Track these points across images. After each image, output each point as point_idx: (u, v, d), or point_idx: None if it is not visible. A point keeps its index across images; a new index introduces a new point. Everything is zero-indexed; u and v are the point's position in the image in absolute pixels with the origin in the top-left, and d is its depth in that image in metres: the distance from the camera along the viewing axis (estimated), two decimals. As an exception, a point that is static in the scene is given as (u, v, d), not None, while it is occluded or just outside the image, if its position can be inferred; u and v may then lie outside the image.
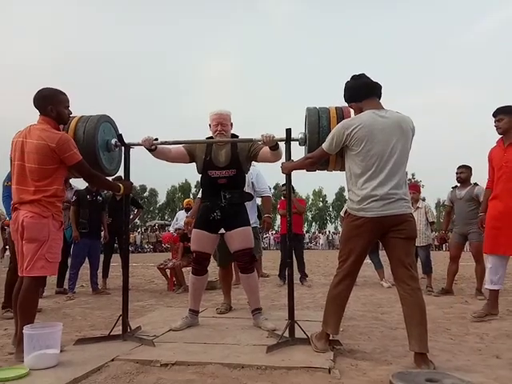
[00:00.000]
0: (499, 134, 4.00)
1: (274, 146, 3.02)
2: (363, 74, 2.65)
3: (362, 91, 2.60)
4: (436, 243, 5.66)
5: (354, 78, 2.66)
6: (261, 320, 3.33)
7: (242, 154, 3.31)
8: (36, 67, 69.10)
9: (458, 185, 5.53)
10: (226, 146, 3.33)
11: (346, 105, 2.78)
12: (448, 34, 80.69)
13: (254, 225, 4.07)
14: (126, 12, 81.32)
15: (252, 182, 4.32)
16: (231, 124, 3.40)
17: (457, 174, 5.49)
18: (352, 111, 2.78)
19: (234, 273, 4.42)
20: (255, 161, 3.38)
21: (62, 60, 73.01)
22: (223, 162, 3.28)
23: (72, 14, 75.93)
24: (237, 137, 3.41)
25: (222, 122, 3.29)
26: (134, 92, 73.39)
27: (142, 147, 3.13)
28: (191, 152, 3.36)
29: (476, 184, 5.36)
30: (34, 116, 2.73)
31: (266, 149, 3.10)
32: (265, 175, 4.64)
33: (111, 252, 6.66)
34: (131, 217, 6.94)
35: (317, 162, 2.75)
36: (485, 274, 4.92)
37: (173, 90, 76.41)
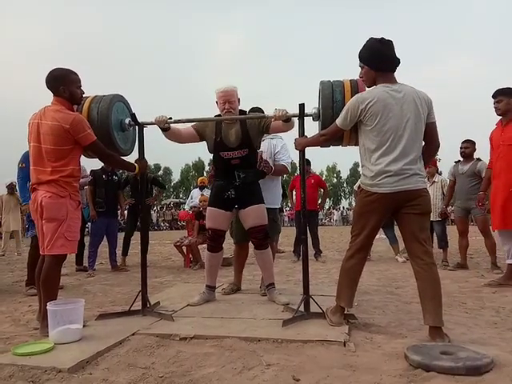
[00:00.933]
0: (498, 115, 4.15)
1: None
2: (391, 41, 2.50)
3: (384, 63, 2.49)
4: (438, 218, 5.67)
5: (382, 42, 2.49)
6: (275, 294, 3.38)
7: (253, 130, 3.26)
8: (47, 49, 69.22)
9: (461, 159, 5.47)
10: (236, 124, 3.27)
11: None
12: (464, 3, 77.77)
13: (276, 206, 3.86)
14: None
15: (277, 151, 3.85)
16: (238, 100, 3.32)
17: (461, 148, 5.43)
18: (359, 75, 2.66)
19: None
20: (267, 133, 3.32)
21: (73, 39, 72.89)
22: (234, 141, 3.24)
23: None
24: (245, 113, 3.36)
25: (229, 100, 3.21)
26: (144, 70, 73.21)
27: (156, 126, 3.14)
28: (200, 132, 3.33)
29: (479, 159, 5.32)
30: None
31: (278, 120, 3.03)
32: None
33: (132, 231, 6.73)
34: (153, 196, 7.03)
35: (331, 139, 2.71)
36: (495, 247, 5.01)
37: (185, 66, 75.92)
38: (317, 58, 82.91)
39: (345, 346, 2.26)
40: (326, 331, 2.48)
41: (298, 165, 3.13)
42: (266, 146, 3.76)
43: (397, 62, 2.51)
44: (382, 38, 2.51)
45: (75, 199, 2.72)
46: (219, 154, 3.30)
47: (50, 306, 2.42)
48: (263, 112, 3.58)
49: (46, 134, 2.60)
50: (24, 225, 7.33)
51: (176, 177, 59.60)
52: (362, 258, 2.58)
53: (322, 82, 2.89)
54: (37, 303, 2.89)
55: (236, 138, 3.25)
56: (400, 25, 79.28)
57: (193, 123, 3.34)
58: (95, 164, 6.07)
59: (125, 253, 6.52)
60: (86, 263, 6.00)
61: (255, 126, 3.26)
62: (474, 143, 5.41)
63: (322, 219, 31.77)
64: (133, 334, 2.52)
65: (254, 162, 3.41)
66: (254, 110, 3.70)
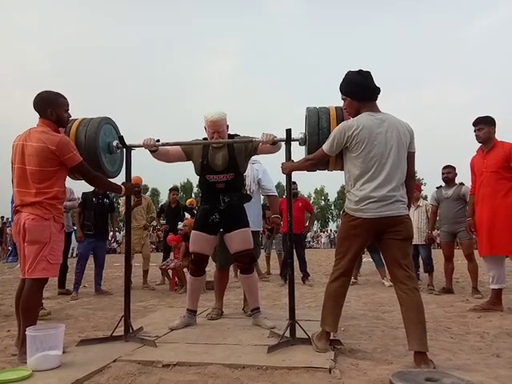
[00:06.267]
0: (479, 142, 4.27)
1: None
2: (369, 72, 2.60)
3: (366, 93, 2.58)
4: (423, 242, 5.78)
5: (360, 74, 2.59)
6: (260, 319, 3.36)
7: (240, 155, 3.27)
8: (37, 70, 69.66)
9: (443, 184, 5.57)
10: (223, 149, 3.28)
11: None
12: (450, 30, 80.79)
13: (258, 228, 3.93)
14: (128, 11, 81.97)
15: (259, 179, 4.03)
16: (227, 126, 3.32)
17: (443, 174, 5.54)
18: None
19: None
20: (255, 154, 3.33)
21: (64, 60, 73.66)
22: (220, 165, 3.25)
23: (73, 12, 76.64)
24: (233, 137, 3.36)
25: (217, 130, 3.19)
26: (135, 92, 73.99)
27: (143, 148, 3.14)
28: (188, 153, 3.34)
29: (462, 184, 5.43)
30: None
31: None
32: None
33: (168, 253, 7.48)
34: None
35: (317, 163, 2.76)
36: (477, 271, 5.09)
37: (174, 90, 76.91)
38: (306, 84, 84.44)
39: (330, 372, 2.23)
40: (312, 357, 2.45)
41: (285, 187, 3.16)
42: (249, 170, 3.80)
43: (377, 90, 2.60)
44: (360, 70, 2.61)
45: (59, 222, 2.69)
46: (205, 176, 3.31)
47: (29, 332, 2.35)
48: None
49: (31, 155, 2.59)
50: (5, 250, 7.32)
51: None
52: (345, 281, 2.60)
53: (308, 109, 2.94)
54: (16, 328, 2.80)
55: (223, 162, 3.26)
56: (387, 53, 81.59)
57: None
58: (83, 187, 6.09)
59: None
60: (68, 286, 5.88)
61: (242, 150, 3.27)
62: (454, 168, 5.54)
63: (309, 242, 31.74)
64: (114, 361, 2.46)
65: (239, 186, 3.42)
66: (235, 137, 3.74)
